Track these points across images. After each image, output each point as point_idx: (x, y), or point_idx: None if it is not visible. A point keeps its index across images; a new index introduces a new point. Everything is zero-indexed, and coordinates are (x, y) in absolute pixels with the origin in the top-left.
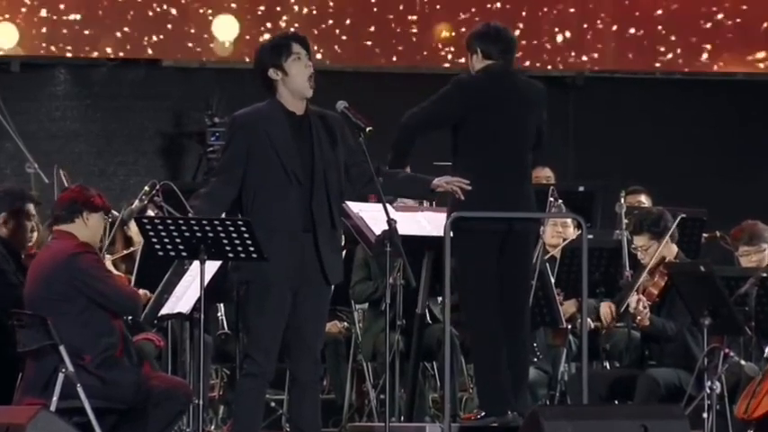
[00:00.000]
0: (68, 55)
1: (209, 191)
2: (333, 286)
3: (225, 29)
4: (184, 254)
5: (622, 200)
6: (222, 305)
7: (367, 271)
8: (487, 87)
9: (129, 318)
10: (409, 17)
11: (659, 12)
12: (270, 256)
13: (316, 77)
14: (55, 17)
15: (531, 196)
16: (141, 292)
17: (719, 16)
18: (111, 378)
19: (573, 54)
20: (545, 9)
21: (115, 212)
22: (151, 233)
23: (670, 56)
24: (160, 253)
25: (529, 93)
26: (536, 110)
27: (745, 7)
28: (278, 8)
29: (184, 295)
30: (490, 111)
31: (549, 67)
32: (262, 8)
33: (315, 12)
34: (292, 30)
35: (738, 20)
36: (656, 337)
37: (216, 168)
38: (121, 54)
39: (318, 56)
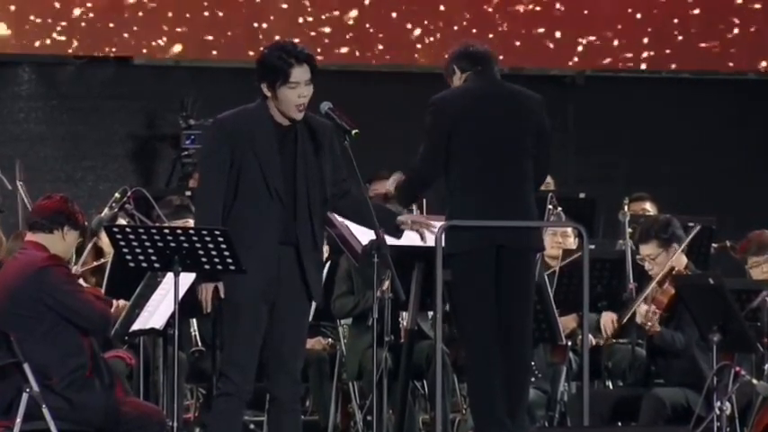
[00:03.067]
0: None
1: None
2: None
3: None
4: (157, 265)
5: (626, 207)
6: (195, 320)
7: (350, 284)
8: (466, 95)
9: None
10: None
11: (665, 7)
12: (246, 269)
13: None
14: (18, 12)
15: (529, 209)
16: (121, 303)
17: (729, 13)
18: (80, 400)
19: (572, 51)
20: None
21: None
22: (122, 243)
23: (676, 53)
24: (131, 264)
25: (519, 100)
26: (530, 117)
27: (758, 6)
28: None
29: (157, 310)
30: (472, 122)
31: (547, 65)
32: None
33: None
34: (302, 47)
35: (749, 17)
36: (663, 350)
37: (202, 176)
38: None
39: None
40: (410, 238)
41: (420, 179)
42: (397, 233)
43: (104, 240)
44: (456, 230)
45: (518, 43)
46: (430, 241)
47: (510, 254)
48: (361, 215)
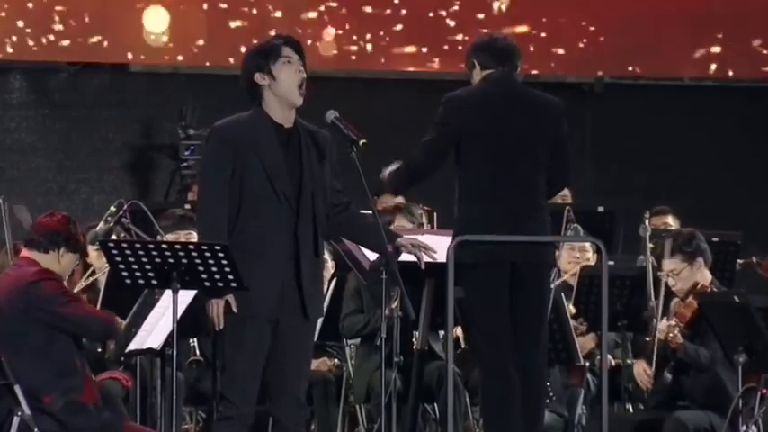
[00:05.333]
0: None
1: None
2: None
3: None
4: (155, 282)
5: (646, 221)
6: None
7: (359, 302)
8: (483, 99)
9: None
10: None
11: (687, 11)
12: (249, 284)
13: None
14: (8, 17)
15: (543, 221)
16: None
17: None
18: (75, 425)
19: (591, 58)
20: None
21: None
22: (118, 259)
23: (700, 60)
24: (128, 281)
25: (538, 104)
26: (549, 124)
27: None
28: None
29: (155, 329)
30: (487, 125)
31: (564, 72)
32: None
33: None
34: (285, 33)
35: None
36: (688, 367)
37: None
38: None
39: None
40: None
41: (417, 170)
42: (396, 255)
43: (92, 255)
44: (468, 242)
45: (532, 48)
46: (440, 257)
47: (524, 270)
48: (360, 232)
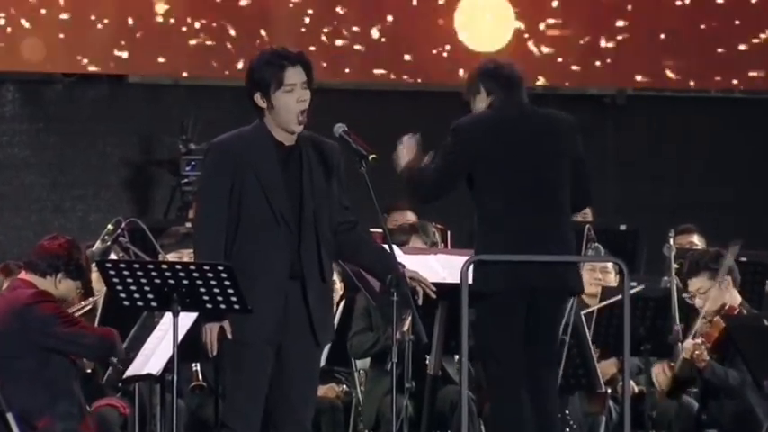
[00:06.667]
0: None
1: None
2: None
3: None
4: (154, 304)
5: (671, 240)
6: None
7: (368, 321)
8: (492, 125)
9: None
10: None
11: (714, 21)
12: (251, 307)
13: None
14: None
15: (567, 245)
16: None
17: None
18: None
19: (612, 69)
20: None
21: None
22: (115, 280)
23: (727, 71)
24: (126, 303)
25: (550, 123)
26: (563, 141)
27: None
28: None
29: (154, 353)
30: (500, 152)
31: (585, 84)
32: None
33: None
34: (293, 50)
35: None
36: (716, 390)
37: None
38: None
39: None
40: (434, 273)
41: (423, 196)
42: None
43: (93, 276)
44: (484, 268)
45: (559, 59)
46: (454, 278)
47: (543, 297)
48: (365, 258)
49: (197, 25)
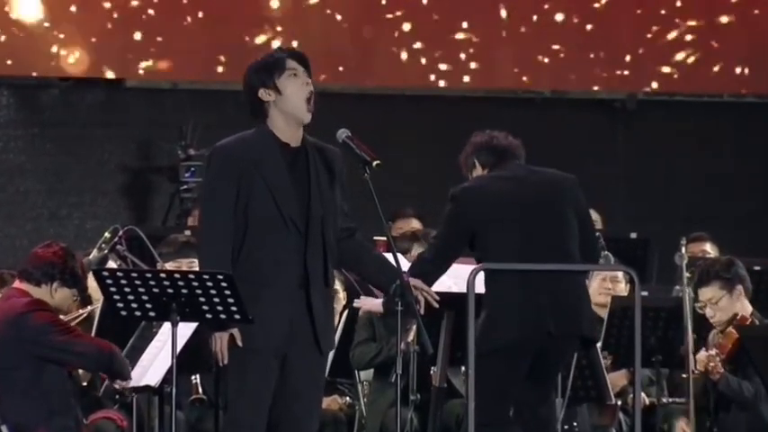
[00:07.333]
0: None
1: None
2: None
3: None
4: (153, 314)
5: (683, 249)
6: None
7: (371, 331)
8: (492, 188)
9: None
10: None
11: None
12: (255, 316)
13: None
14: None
15: (582, 296)
16: None
17: None
18: None
19: (623, 73)
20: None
21: None
22: (113, 289)
23: (741, 75)
24: (124, 313)
25: (550, 181)
26: (566, 197)
27: None
28: None
29: (153, 365)
30: (503, 211)
31: (596, 87)
32: None
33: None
34: (288, 47)
35: None
36: (729, 403)
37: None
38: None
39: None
40: (440, 283)
41: (429, 269)
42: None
43: (91, 285)
44: (493, 323)
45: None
46: (461, 286)
47: (554, 340)
48: (366, 267)
49: (196, 28)
